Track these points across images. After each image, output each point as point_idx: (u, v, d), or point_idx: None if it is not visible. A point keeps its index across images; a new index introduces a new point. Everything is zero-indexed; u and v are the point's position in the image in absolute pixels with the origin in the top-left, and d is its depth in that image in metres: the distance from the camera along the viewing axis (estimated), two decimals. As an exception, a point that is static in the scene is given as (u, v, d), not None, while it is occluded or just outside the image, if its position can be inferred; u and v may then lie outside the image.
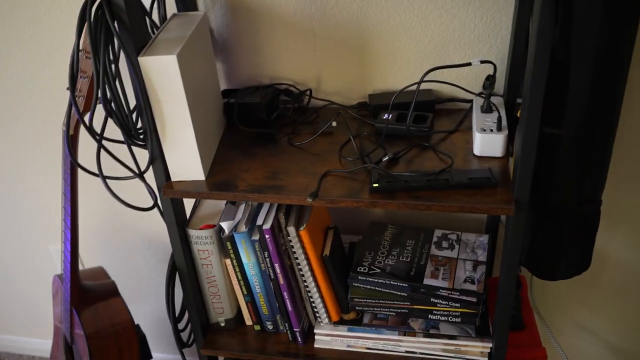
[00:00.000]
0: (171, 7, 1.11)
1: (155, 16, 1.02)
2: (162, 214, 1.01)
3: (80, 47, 0.83)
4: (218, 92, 1.09)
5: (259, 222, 1.00)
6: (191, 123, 0.90)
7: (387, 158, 0.95)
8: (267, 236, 0.99)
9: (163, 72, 0.85)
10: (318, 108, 1.14)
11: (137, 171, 0.95)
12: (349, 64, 1.12)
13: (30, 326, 1.90)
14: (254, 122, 1.11)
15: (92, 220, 1.53)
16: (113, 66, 0.84)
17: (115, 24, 0.82)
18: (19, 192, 1.53)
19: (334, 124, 1.06)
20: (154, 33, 1.01)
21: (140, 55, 0.84)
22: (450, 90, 1.11)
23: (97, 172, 0.92)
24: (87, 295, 1.25)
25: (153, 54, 0.84)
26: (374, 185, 0.89)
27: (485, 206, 0.85)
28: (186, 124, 0.90)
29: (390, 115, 1.04)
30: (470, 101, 1.08)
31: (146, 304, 1.68)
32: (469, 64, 0.94)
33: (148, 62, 0.84)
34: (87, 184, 1.42)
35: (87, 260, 1.62)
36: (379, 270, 1.09)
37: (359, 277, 1.09)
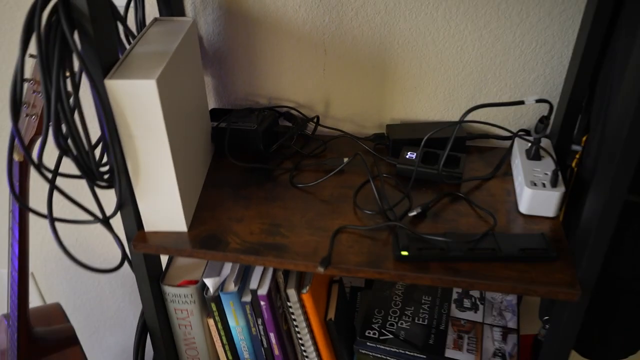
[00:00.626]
0: (152, 10, 0.89)
1: (131, 21, 0.80)
2: (132, 266, 0.79)
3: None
4: (206, 113, 0.87)
5: (253, 285, 0.80)
6: (172, 162, 0.69)
7: (414, 213, 0.75)
8: (262, 303, 0.79)
9: (138, 100, 0.63)
10: (326, 139, 0.93)
11: (100, 216, 0.73)
12: (365, 87, 0.91)
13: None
14: (249, 152, 0.90)
15: (51, 243, 1.30)
16: (70, 86, 0.62)
17: (76, 36, 0.60)
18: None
19: (346, 160, 0.86)
20: (129, 43, 0.78)
21: (108, 77, 0.62)
22: (483, 125, 0.91)
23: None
24: (39, 346, 1.03)
25: (125, 76, 0.62)
26: (402, 253, 0.69)
27: (542, 288, 0.66)
28: (166, 163, 0.69)
29: (415, 155, 0.84)
30: (508, 138, 0.89)
31: (112, 336, 1.46)
32: (522, 103, 0.75)
33: (118, 87, 0.62)
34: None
35: (46, 287, 1.39)
36: (391, 336, 0.90)
37: (368, 344, 0.89)
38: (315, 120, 0.93)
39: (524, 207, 0.76)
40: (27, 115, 0.81)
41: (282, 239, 0.73)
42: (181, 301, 0.83)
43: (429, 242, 0.70)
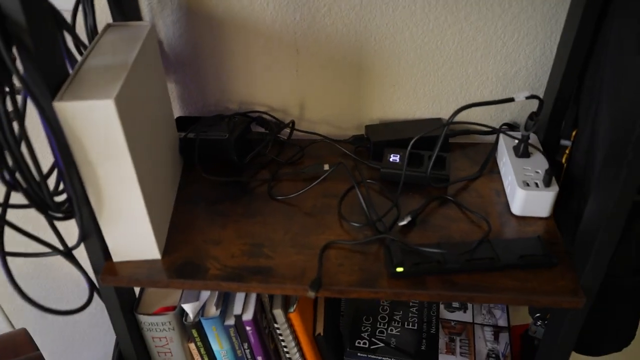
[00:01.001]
0: (104, 15, 0.78)
1: (81, 28, 0.70)
2: (101, 298, 0.70)
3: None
4: (172, 124, 0.78)
5: (237, 309, 0.72)
6: (138, 186, 0.60)
7: (404, 222, 0.69)
8: (248, 328, 0.71)
9: (95, 122, 0.53)
10: (302, 144, 0.85)
11: (61, 247, 0.64)
12: (341, 87, 0.83)
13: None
14: (221, 163, 0.82)
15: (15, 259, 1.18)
16: (11, 109, 0.52)
17: (14, 51, 0.50)
18: None
19: (326, 167, 0.79)
20: (81, 54, 0.68)
21: (57, 99, 0.52)
22: (464, 121, 0.85)
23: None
24: (7, 381, 0.92)
25: (78, 96, 0.52)
26: (398, 270, 0.62)
27: (545, 298, 0.60)
28: (132, 188, 0.60)
29: (399, 157, 0.77)
30: (491, 133, 0.83)
31: (86, 350, 1.36)
32: (511, 100, 0.68)
33: (70, 110, 0.52)
34: None
35: (11, 309, 1.27)
36: (382, 345, 0.84)
37: (359, 355, 0.83)
38: (290, 124, 0.85)
39: (516, 208, 0.70)
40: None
41: (266, 260, 0.66)
42: (159, 329, 0.75)
43: (423, 255, 0.64)
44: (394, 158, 0.77)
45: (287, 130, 0.86)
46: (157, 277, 0.64)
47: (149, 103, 0.65)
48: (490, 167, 0.80)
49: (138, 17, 0.76)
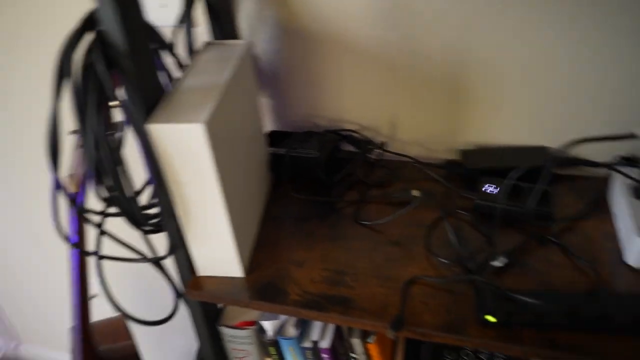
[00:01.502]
0: (203, 36, 0.77)
1: (180, 48, 0.69)
2: (188, 305, 0.69)
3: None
4: (262, 140, 0.75)
5: (314, 335, 0.68)
6: (224, 207, 0.57)
7: (499, 263, 0.61)
8: (325, 356, 0.67)
9: (185, 144, 0.51)
10: (392, 165, 0.79)
11: (151, 255, 0.63)
12: (436, 108, 0.76)
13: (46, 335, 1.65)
14: (309, 180, 0.78)
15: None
16: (112, 129, 0.51)
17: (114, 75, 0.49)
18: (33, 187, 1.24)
19: (415, 193, 0.72)
20: (182, 69, 0.67)
21: (151, 121, 0.51)
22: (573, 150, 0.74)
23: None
24: (103, 366, 0.96)
25: (170, 119, 0.51)
26: (488, 318, 0.54)
27: (667, 371, 0.50)
28: (217, 209, 0.57)
29: (497, 189, 0.69)
30: (603, 166, 0.71)
31: (178, 338, 1.39)
32: (632, 137, 0.58)
33: (162, 132, 0.51)
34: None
35: (116, 284, 1.33)
36: (464, 383, 0.76)
37: (439, 390, 0.76)
38: (381, 145, 0.79)
39: (632, 258, 0.59)
40: (78, 147, 0.72)
41: (347, 290, 0.61)
42: (239, 342, 0.73)
43: (519, 304, 0.55)
44: (491, 188, 0.69)
45: (377, 150, 0.80)
46: (239, 297, 0.61)
47: (240, 120, 0.63)
48: (601, 205, 0.68)
49: (236, 34, 0.74)
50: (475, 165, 0.73)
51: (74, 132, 0.68)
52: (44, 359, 1.71)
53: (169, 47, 0.61)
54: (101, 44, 0.47)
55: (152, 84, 0.52)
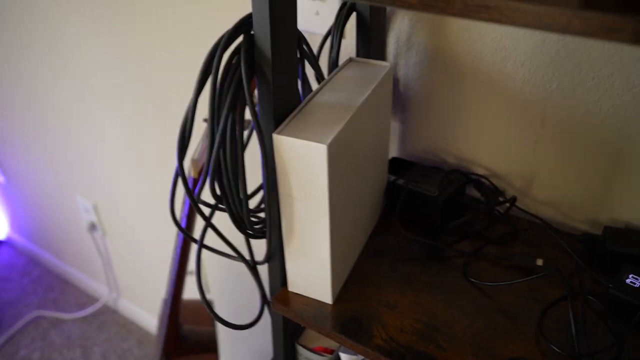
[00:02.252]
0: (351, 45, 0.77)
1: (323, 59, 0.70)
2: (271, 316, 0.70)
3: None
4: (385, 166, 0.74)
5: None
6: (329, 233, 0.56)
7: (625, 372, 0.53)
8: (396, 410, 0.63)
9: (304, 161, 0.52)
10: (519, 225, 0.73)
11: (248, 258, 0.65)
12: (585, 172, 0.68)
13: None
14: (423, 219, 0.74)
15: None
16: (237, 132, 0.53)
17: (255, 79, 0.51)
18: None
19: (539, 262, 0.65)
20: (319, 82, 0.68)
21: (277, 131, 0.52)
22: None
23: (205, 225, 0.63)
24: (183, 344, 1.02)
25: (296, 133, 0.51)
26: None
27: None
28: (322, 232, 0.57)
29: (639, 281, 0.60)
30: None
31: (255, 338, 1.44)
32: None
33: (285, 144, 0.51)
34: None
35: (212, 270, 1.41)
36: None
37: None
38: (511, 200, 0.73)
39: None
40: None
41: (436, 350, 0.57)
42: (312, 366, 0.72)
43: None
44: (633, 280, 0.60)
45: (505, 204, 0.75)
46: (322, 323, 0.61)
47: (367, 144, 0.62)
48: None
49: (382, 53, 0.73)
50: (619, 247, 0.64)
51: (206, 120, 0.72)
52: (136, 316, 1.87)
53: (314, 58, 0.62)
54: (249, 47, 0.49)
55: (287, 94, 0.53)
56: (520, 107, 0.69)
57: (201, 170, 0.77)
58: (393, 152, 0.84)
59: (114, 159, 1.40)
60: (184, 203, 0.87)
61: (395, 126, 0.82)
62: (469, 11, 0.35)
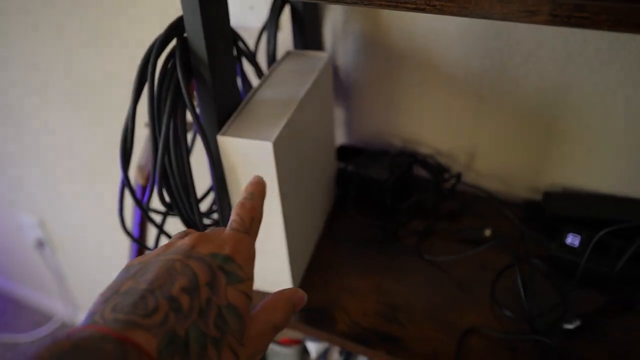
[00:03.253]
0: (286, 37, 0.77)
1: (261, 53, 0.69)
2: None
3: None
4: (332, 155, 0.75)
5: (359, 367, 0.66)
6: (283, 227, 0.57)
7: (572, 326, 0.56)
8: (367, 391, 0.65)
9: (251, 160, 0.52)
10: (465, 198, 0.76)
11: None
12: (522, 143, 0.72)
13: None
14: (374, 202, 0.76)
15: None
16: (180, 137, 0.52)
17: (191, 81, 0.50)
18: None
19: (488, 233, 0.68)
20: (259, 77, 0.68)
21: (221, 133, 0.51)
22: (676, 208, 0.67)
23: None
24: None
25: (240, 133, 0.51)
26: (553, 389, 0.51)
27: None
28: (276, 227, 0.57)
29: (579, 240, 0.64)
30: None
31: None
32: None
33: (231, 145, 0.51)
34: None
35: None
36: None
37: None
38: (456, 177, 0.75)
39: None
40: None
41: (398, 328, 0.59)
42: (281, 359, 0.73)
43: (590, 379, 0.51)
44: (573, 240, 0.64)
45: (452, 181, 0.77)
46: (285, 317, 0.61)
47: (312, 136, 0.62)
48: (702, 276, 0.62)
49: (319, 44, 0.74)
50: (559, 210, 0.68)
51: (147, 124, 0.71)
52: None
53: (251, 55, 0.61)
54: (183, 50, 0.48)
55: (228, 94, 0.53)
56: (456, 84, 0.71)
57: (148, 176, 0.76)
58: (340, 139, 0.85)
59: (55, 170, 1.34)
60: (134, 211, 0.85)
61: (340, 114, 0.82)
62: (396, 2, 0.36)
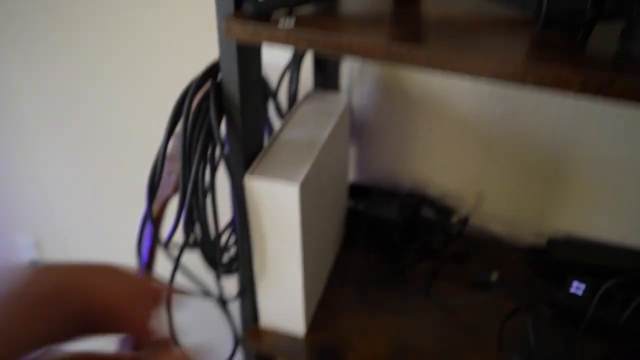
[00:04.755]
0: (305, 76, 0.79)
1: (282, 92, 0.72)
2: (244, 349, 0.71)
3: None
4: (344, 193, 0.76)
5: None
6: (301, 266, 0.58)
7: (579, 376, 0.58)
8: None
9: (277, 201, 0.53)
10: (473, 240, 0.78)
11: (217, 295, 0.65)
12: (528, 189, 0.74)
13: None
14: (383, 241, 0.77)
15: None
16: (208, 173, 0.53)
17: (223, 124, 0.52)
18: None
19: (494, 277, 0.70)
20: (281, 116, 0.69)
21: (249, 173, 0.53)
22: (676, 260, 0.70)
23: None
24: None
25: (267, 174, 0.52)
26: None
27: None
28: (294, 266, 0.58)
29: (584, 289, 0.65)
30: None
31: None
32: None
33: (258, 186, 0.53)
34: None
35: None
36: None
37: None
38: (464, 220, 0.77)
39: None
40: (168, 173, 0.76)
41: (409, 371, 0.60)
42: (285, 395, 0.73)
43: None
44: (578, 288, 0.66)
45: (459, 222, 0.79)
46: (297, 356, 0.62)
47: (330, 176, 0.64)
48: (703, 329, 0.64)
49: (337, 83, 0.76)
50: (563, 257, 0.70)
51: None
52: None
53: (274, 94, 0.63)
54: (217, 92, 0.50)
55: (256, 135, 0.54)
56: (467, 131, 0.74)
57: (163, 206, 0.76)
58: (351, 176, 0.87)
59: (55, 189, 1.34)
60: (144, 236, 0.85)
61: (352, 152, 0.84)
62: (434, 66, 0.38)
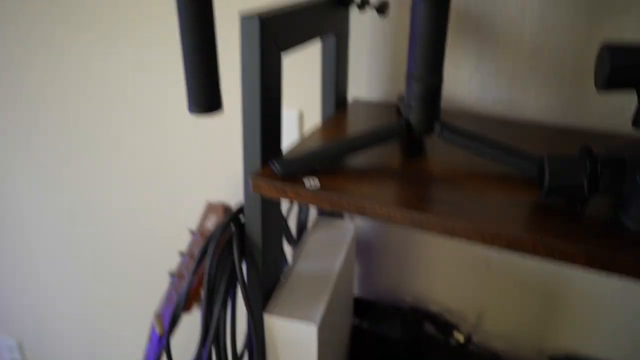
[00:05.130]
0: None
1: (291, 220, 0.75)
2: None
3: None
4: (350, 311, 0.78)
5: None
6: (314, 397, 0.58)
7: None
8: None
9: (294, 338, 0.55)
10: (474, 356, 0.79)
11: None
12: (527, 308, 0.77)
13: None
14: (387, 358, 0.78)
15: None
16: (229, 312, 0.55)
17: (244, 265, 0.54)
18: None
19: (501, 399, 0.71)
20: (288, 241, 0.72)
21: (268, 311, 0.55)
22: (673, 380, 0.72)
23: None
24: None
25: (286, 313, 0.54)
26: None
27: None
28: (307, 397, 0.59)
29: (589, 413, 0.67)
30: None
31: None
32: None
33: (276, 323, 0.54)
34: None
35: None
36: None
37: None
38: (467, 339, 0.79)
39: None
40: (174, 289, 0.77)
41: None
42: None
43: None
44: (584, 412, 0.67)
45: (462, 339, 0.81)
46: None
47: (341, 303, 0.66)
48: None
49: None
50: (566, 379, 0.72)
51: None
52: None
53: (284, 222, 0.66)
54: (240, 235, 0.53)
55: (273, 271, 0.57)
56: (467, 253, 0.77)
57: (166, 323, 0.77)
58: (354, 290, 0.89)
59: (39, 289, 1.32)
60: (148, 349, 0.84)
61: (355, 268, 0.87)
62: (450, 234, 0.42)
